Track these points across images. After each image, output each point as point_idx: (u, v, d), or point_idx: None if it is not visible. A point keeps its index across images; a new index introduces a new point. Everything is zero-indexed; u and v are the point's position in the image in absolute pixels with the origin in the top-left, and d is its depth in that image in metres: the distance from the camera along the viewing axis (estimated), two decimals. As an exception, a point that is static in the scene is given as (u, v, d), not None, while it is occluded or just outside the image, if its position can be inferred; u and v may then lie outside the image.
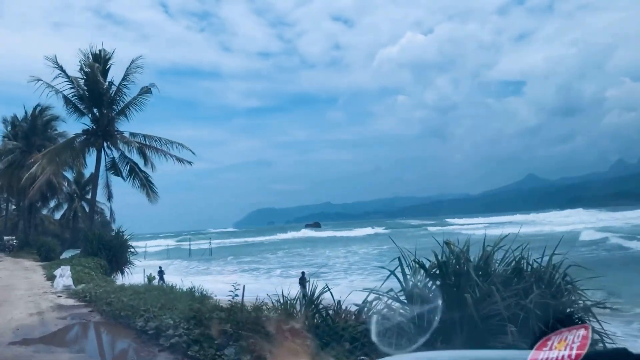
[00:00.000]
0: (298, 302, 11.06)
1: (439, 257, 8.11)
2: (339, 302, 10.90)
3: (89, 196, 61.70)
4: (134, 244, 29.92)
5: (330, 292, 11.02)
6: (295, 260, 56.75)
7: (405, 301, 8.24)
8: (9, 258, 39.18)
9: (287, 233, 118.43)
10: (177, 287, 13.48)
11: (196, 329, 8.19)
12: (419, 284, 8.19)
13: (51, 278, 21.71)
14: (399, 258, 8.44)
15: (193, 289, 13.02)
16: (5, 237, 50.89)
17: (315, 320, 10.40)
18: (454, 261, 7.99)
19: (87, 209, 61.37)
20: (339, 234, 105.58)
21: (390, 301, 8.37)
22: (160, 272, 32.51)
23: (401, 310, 8.22)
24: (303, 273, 22.06)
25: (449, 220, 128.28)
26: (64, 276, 18.93)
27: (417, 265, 8.40)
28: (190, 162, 30.47)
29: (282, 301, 11.28)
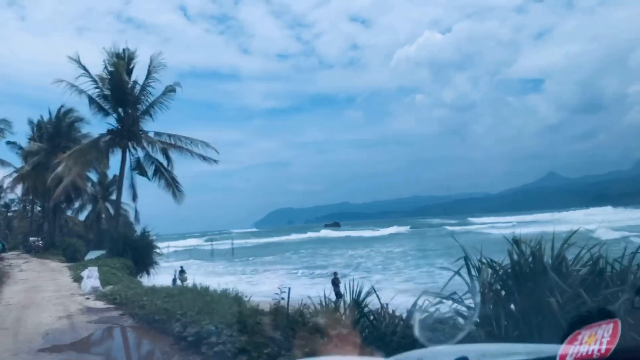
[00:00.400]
0: (342, 304, 10.34)
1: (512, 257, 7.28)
2: (386, 305, 10.16)
3: (112, 197, 61.94)
4: (158, 244, 29.50)
5: (377, 294, 10.26)
6: (317, 260, 56.00)
7: (473, 305, 7.44)
8: (35, 259, 39.18)
9: (306, 233, 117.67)
10: (212, 288, 12.81)
11: (241, 335, 7.49)
12: (487, 286, 7.37)
13: (78, 279, 21.31)
14: (464, 258, 7.63)
15: (227, 291, 12.35)
16: (31, 238, 51.11)
17: (362, 325, 9.67)
18: (530, 260, 7.15)
19: (110, 210, 61.53)
20: (361, 233, 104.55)
21: (455, 305, 7.57)
22: (182, 272, 32.16)
23: (466, 315, 7.47)
24: (335, 273, 21.31)
25: (472, 219, 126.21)
26: (91, 277, 18.43)
27: (482, 265, 7.60)
28: (215, 160, 30.06)
29: (324, 303, 10.59)
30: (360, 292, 10.16)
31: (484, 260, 7.52)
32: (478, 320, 6.99)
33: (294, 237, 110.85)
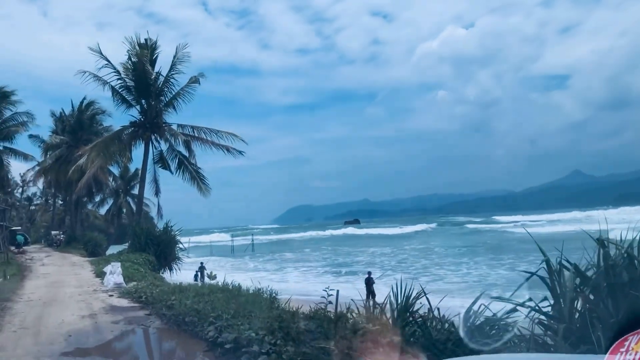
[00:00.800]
0: (389, 307, 9.39)
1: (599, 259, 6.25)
2: (437, 309, 9.21)
3: (134, 191, 61.72)
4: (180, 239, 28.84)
5: (427, 297, 9.31)
6: (339, 257, 55.04)
7: (555, 314, 6.44)
8: (56, 253, 38.93)
9: (325, 231, 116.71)
10: (240, 285, 11.97)
11: (286, 344, 6.59)
12: (572, 292, 6.35)
13: (100, 275, 20.72)
14: (546, 261, 6.61)
15: (260, 290, 11.50)
16: (53, 232, 51.09)
17: (411, 330, 8.75)
18: (624, 264, 6.12)
19: (132, 204, 61.30)
20: (385, 231, 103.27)
21: (533, 313, 6.57)
22: (201, 269, 31.47)
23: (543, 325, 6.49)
24: (369, 273, 20.33)
25: (497, 217, 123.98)
26: (114, 273, 17.78)
27: (563, 269, 6.59)
28: (241, 152, 29.18)
29: (366, 306, 9.68)
30: (409, 296, 9.25)
31: (564, 263, 6.51)
32: (563, 331, 6.02)
33: (314, 233, 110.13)
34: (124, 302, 13.13)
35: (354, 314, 9.22)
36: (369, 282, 19.40)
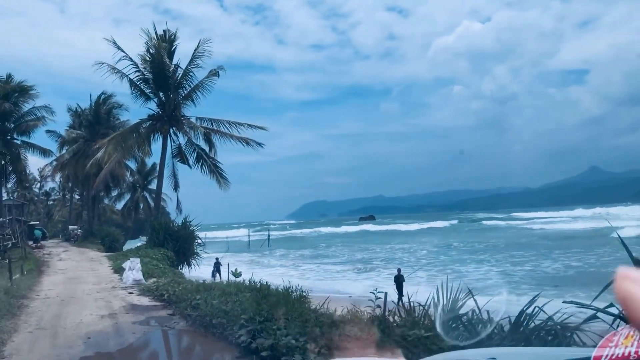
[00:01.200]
0: (433, 308, 8.59)
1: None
2: (486, 310, 8.41)
3: (151, 186, 61.47)
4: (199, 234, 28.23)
5: (474, 299, 8.52)
6: (357, 253, 54.10)
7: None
8: (74, 248, 38.65)
9: (341, 227, 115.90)
10: (269, 283, 11.20)
11: (332, 355, 5.81)
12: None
13: (118, 270, 20.18)
14: (636, 260, 5.76)
15: (290, 289, 10.72)
16: (70, 227, 50.97)
17: (457, 335, 7.94)
18: None
19: (149, 199, 61.05)
20: (404, 227, 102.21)
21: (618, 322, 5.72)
22: (217, 265, 30.80)
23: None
24: (399, 270, 19.48)
25: (517, 214, 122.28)
26: (133, 269, 17.16)
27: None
28: (260, 144, 28.52)
29: (409, 309, 8.89)
30: (456, 298, 8.46)
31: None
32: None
33: (330, 229, 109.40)
34: (145, 301, 12.48)
35: (395, 317, 8.47)
36: (399, 280, 18.55)
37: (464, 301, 8.37)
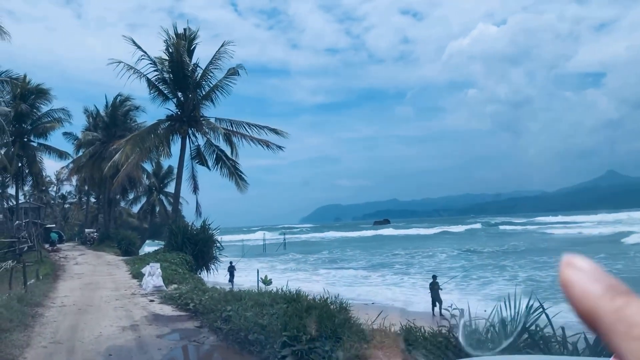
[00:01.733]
0: (500, 325, 7.51)
1: None
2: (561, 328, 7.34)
3: (167, 189, 60.96)
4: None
5: (547, 315, 7.45)
6: (376, 258, 52.81)
7: None
8: (90, 251, 38.02)
9: (358, 231, 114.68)
10: (303, 291, 10.17)
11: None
12: None
13: (137, 276, 19.33)
14: None
15: (328, 299, 9.70)
16: (87, 230, 50.48)
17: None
18: None
19: (165, 202, 60.51)
20: (423, 231, 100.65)
21: None
22: (231, 269, 29.84)
23: None
24: (434, 277, 18.34)
25: (539, 218, 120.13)
26: (153, 275, 16.26)
27: None
28: (280, 147, 27.64)
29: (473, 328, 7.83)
30: (528, 311, 7.39)
31: None
32: None
33: (347, 234, 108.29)
34: (168, 310, 11.54)
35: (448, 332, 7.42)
36: (434, 287, 17.44)
37: (536, 316, 7.32)
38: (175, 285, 16.19)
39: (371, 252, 60.68)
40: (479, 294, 24.91)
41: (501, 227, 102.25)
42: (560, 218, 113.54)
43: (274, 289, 10.36)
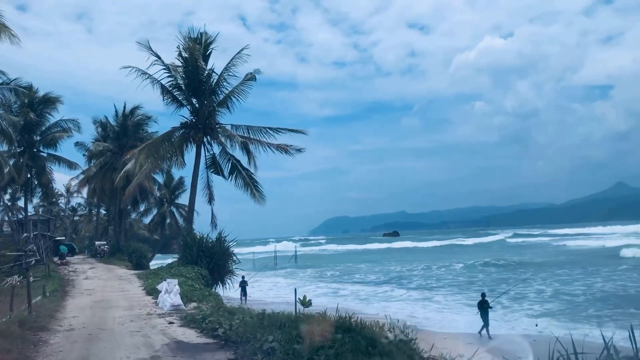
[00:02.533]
0: None
1: None
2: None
3: (178, 200, 59.71)
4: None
5: (632, 339, 5.84)
6: (392, 272, 51.15)
7: None
8: (100, 264, 36.73)
9: (370, 243, 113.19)
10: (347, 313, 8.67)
11: None
12: None
13: (151, 292, 17.91)
14: None
15: (377, 322, 8.22)
16: (97, 243, 49.21)
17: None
18: None
19: (176, 214, 59.22)
20: (438, 243, 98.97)
21: None
22: (243, 284, 28.47)
23: None
24: (483, 295, 16.78)
25: (553, 230, 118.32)
26: (170, 292, 14.79)
27: None
28: (300, 150, 26.44)
29: None
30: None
31: None
32: None
33: (356, 246, 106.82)
34: (192, 335, 10.03)
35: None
36: (484, 306, 15.87)
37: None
38: (195, 304, 14.74)
39: (385, 264, 59.19)
40: (520, 311, 23.28)
41: (513, 239, 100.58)
42: (571, 230, 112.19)
43: (326, 314, 8.83)
